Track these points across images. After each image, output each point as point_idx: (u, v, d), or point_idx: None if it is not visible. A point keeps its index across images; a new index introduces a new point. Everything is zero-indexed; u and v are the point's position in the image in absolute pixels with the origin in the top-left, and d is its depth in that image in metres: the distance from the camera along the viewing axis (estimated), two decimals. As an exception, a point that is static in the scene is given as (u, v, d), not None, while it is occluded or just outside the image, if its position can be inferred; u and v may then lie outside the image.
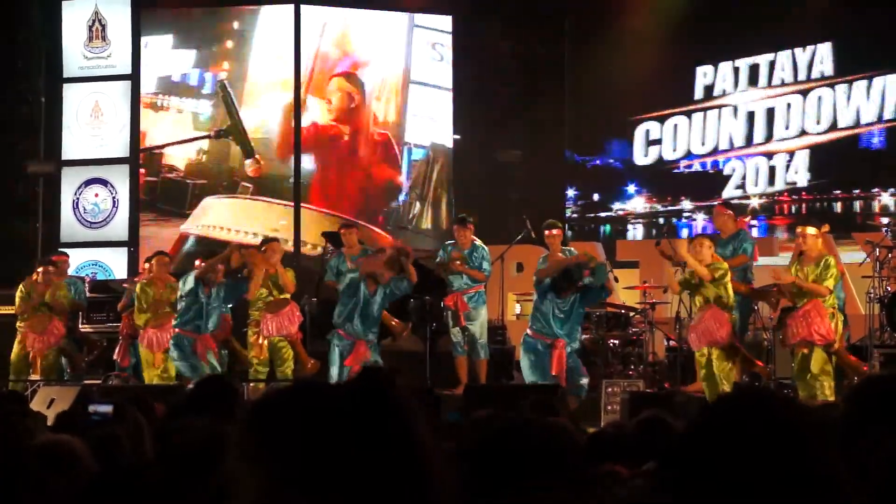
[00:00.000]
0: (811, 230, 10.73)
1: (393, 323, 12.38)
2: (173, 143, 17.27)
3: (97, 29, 17.24)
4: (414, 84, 17.62)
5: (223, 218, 17.11)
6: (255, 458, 1.58)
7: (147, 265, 13.09)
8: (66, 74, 17.30)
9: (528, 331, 11.40)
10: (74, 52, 17.28)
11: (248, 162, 17.14)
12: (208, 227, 16.96)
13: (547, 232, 12.13)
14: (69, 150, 17.28)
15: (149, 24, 17.29)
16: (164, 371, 12.17)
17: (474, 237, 12.66)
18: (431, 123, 17.63)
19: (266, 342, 12.13)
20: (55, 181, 17.22)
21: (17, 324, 13.13)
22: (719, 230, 12.07)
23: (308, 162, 17.22)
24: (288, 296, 12.28)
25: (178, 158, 17.31)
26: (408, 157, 17.63)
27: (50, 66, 17.36)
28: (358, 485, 1.56)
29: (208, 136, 17.23)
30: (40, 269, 13.10)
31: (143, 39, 17.17)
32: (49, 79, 17.38)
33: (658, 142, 17.41)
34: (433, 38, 17.67)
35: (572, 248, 12.33)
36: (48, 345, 12.88)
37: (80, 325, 13.69)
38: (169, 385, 11.63)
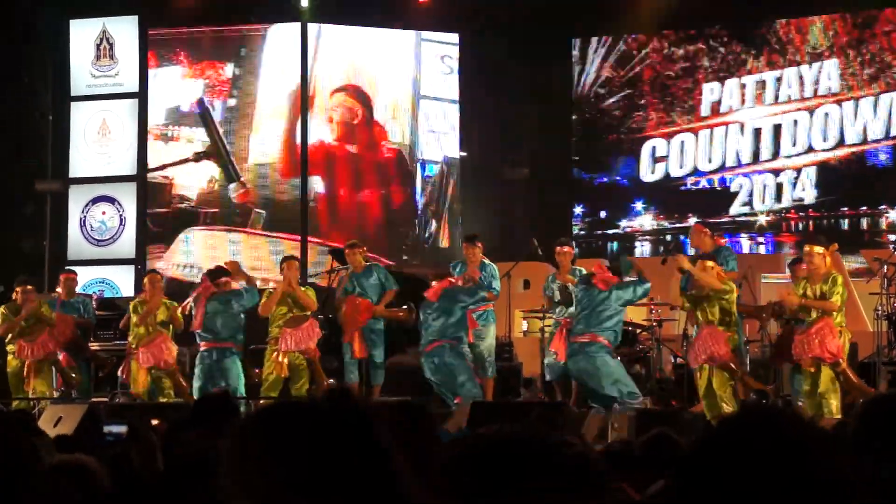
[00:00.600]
0: (818, 249, 10.71)
1: (400, 314, 12.40)
2: (154, 170, 17.30)
3: (105, 48, 17.31)
4: (424, 99, 17.65)
5: (200, 255, 17.06)
6: (236, 473, 1.71)
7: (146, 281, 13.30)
8: (73, 92, 17.36)
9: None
10: (82, 71, 17.34)
11: (231, 186, 17.15)
12: (180, 267, 16.86)
13: (558, 249, 12.11)
14: (76, 168, 17.33)
15: (156, 46, 17.36)
16: (156, 387, 12.29)
17: (483, 256, 12.65)
18: (444, 137, 17.64)
19: (286, 360, 12.13)
20: (62, 199, 17.26)
21: (7, 346, 13.00)
22: (696, 248, 12.00)
23: (317, 184, 17.24)
24: (308, 312, 12.27)
25: (189, 188, 17.33)
26: (421, 174, 17.64)
27: (58, 84, 17.42)
28: (328, 491, 1.69)
29: (187, 160, 17.25)
30: (18, 289, 12.99)
31: (152, 71, 17.24)
32: (57, 97, 17.44)
33: (665, 158, 17.41)
34: (442, 50, 17.70)
35: (581, 268, 12.29)
36: (39, 356, 12.78)
37: (88, 343, 13.68)
38: (171, 402, 11.68)
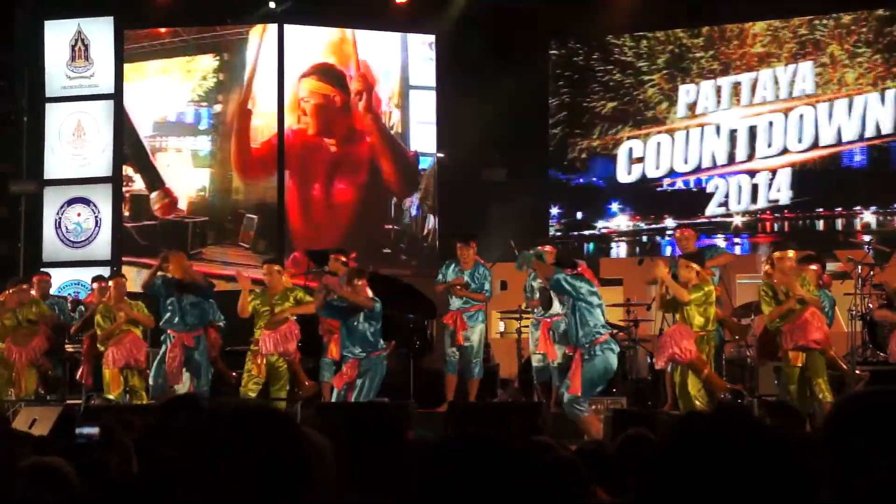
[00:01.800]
0: (790, 254, 10.82)
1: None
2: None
3: (80, 48, 17.22)
4: (414, 89, 17.56)
5: None
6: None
7: (95, 285, 13.29)
8: (48, 94, 17.26)
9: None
10: (57, 72, 17.25)
11: (153, 196, 17.05)
12: None
13: (539, 249, 12.09)
14: (51, 170, 17.23)
15: (134, 57, 17.24)
16: (128, 388, 12.27)
17: (477, 256, 12.63)
18: (433, 129, 17.53)
19: (264, 361, 12.08)
20: (37, 201, 17.17)
21: None
22: (683, 250, 12.02)
23: (297, 182, 17.11)
24: (288, 315, 12.20)
25: (180, 198, 17.20)
26: (417, 168, 17.57)
27: (32, 85, 17.32)
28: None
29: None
30: (13, 290, 12.99)
31: (137, 84, 17.13)
32: (32, 98, 17.34)
33: (641, 160, 17.46)
34: (427, 38, 17.63)
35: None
36: (31, 359, 12.81)
37: (65, 344, 13.63)
38: (147, 404, 11.64)
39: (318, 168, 17.23)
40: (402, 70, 17.53)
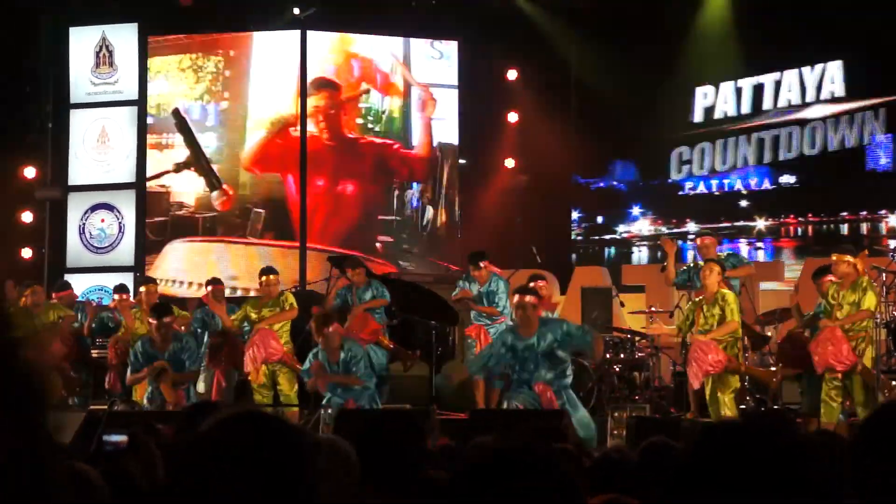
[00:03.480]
0: (847, 257, 10.77)
1: (404, 356, 12.50)
2: (149, 179, 17.27)
3: (104, 55, 17.31)
4: (416, 85, 17.64)
5: (184, 268, 17.05)
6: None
7: (117, 296, 13.44)
8: (73, 100, 17.35)
9: None
10: (82, 78, 17.34)
11: (214, 195, 17.14)
12: (165, 282, 16.71)
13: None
14: (76, 176, 17.32)
15: (156, 54, 17.36)
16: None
17: (494, 269, 12.58)
18: (437, 123, 17.61)
19: (261, 370, 12.21)
20: (61, 207, 17.26)
21: None
22: (704, 257, 11.97)
23: (313, 184, 17.22)
24: (263, 325, 12.31)
25: (187, 194, 17.31)
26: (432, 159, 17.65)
27: (57, 91, 17.41)
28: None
29: (167, 172, 17.23)
30: (27, 293, 13.09)
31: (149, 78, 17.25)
32: (56, 104, 17.44)
33: (663, 163, 17.42)
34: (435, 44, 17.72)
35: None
36: (50, 363, 12.86)
37: (90, 349, 13.71)
38: (171, 411, 11.66)
39: (326, 165, 17.31)
40: (405, 65, 17.58)
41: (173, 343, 11.64)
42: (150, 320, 11.91)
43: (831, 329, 10.54)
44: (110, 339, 13.09)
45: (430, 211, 17.63)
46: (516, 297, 10.31)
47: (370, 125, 17.47)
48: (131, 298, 13.59)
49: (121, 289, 13.73)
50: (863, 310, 10.58)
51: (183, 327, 12.39)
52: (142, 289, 13.32)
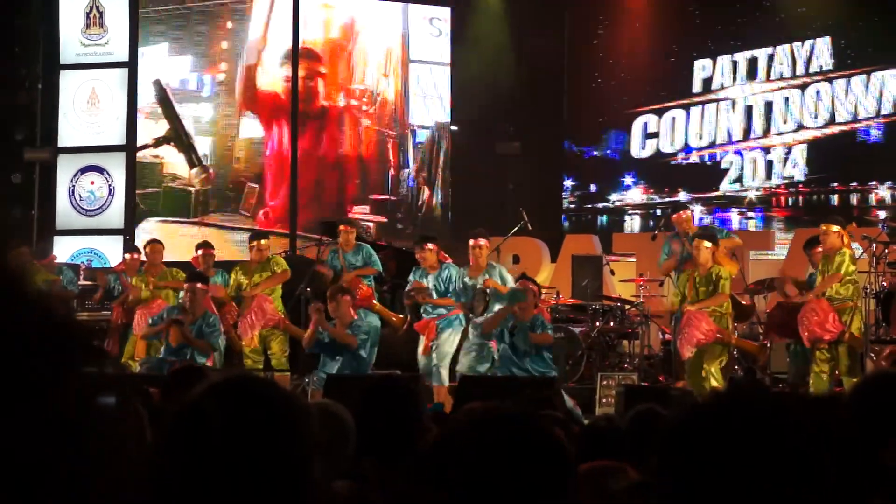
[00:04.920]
0: (835, 227, 10.83)
1: (394, 319, 12.33)
2: (140, 148, 17.17)
3: (95, 16, 17.17)
4: (414, 63, 17.53)
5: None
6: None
7: (128, 256, 13.31)
8: (63, 61, 17.22)
9: None
10: (72, 39, 17.21)
11: (193, 171, 17.04)
12: None
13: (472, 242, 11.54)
14: (65, 138, 17.22)
15: (146, 21, 17.22)
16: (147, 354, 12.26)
17: (444, 256, 11.83)
18: (433, 102, 17.54)
19: (255, 335, 12.19)
20: (51, 168, 17.17)
21: None
22: (684, 233, 11.91)
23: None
24: (256, 291, 12.28)
25: (180, 166, 17.22)
26: (413, 141, 17.57)
27: (47, 52, 17.28)
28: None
29: (147, 146, 17.13)
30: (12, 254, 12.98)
31: (140, 49, 17.09)
32: (46, 66, 17.31)
33: (656, 135, 17.40)
34: (429, 12, 17.59)
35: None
36: None
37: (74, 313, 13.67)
38: (162, 375, 11.62)
39: (311, 131, 17.23)
40: (402, 41, 17.49)
41: (201, 319, 11.45)
42: (184, 284, 11.83)
43: (817, 300, 10.61)
44: (115, 301, 13.04)
45: (425, 192, 17.57)
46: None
47: (364, 107, 17.39)
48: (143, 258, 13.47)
49: (131, 248, 13.69)
50: (833, 274, 10.64)
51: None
52: (146, 248, 13.22)
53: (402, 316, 12.40)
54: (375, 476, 3.25)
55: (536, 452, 2.02)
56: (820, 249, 11.02)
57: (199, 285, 11.47)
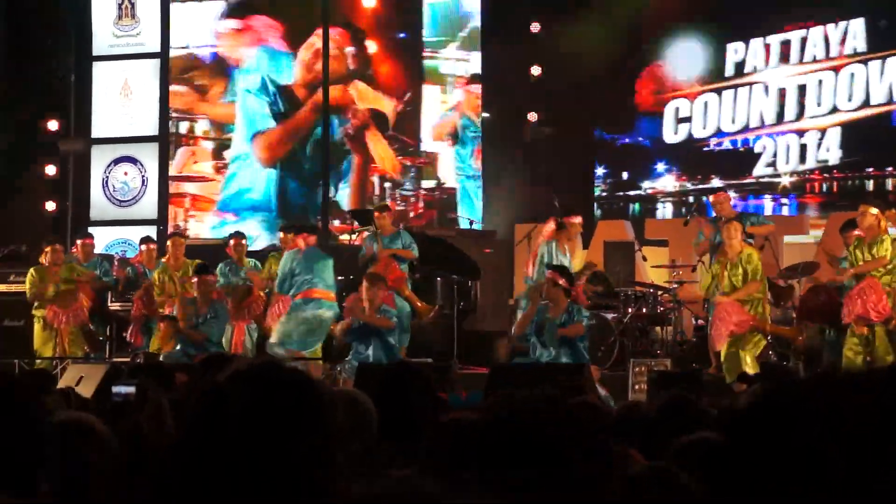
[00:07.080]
0: (873, 210, 10.75)
1: (419, 305, 12.30)
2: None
3: (126, 7, 17.26)
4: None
5: None
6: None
7: (144, 247, 13.41)
8: (95, 52, 17.34)
9: None
10: (104, 31, 17.31)
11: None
12: None
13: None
14: (98, 129, 17.33)
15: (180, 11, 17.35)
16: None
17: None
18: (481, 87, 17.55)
19: None
20: (85, 159, 17.28)
21: (34, 311, 12.94)
22: (720, 215, 11.95)
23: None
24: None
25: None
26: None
27: (80, 44, 17.39)
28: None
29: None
30: (47, 250, 13.00)
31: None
32: (79, 57, 17.42)
33: (688, 119, 17.27)
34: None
35: None
36: (76, 321, 12.84)
37: (109, 304, 13.74)
38: (189, 363, 11.70)
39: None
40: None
41: (210, 308, 11.62)
42: (192, 279, 11.99)
43: (872, 280, 10.54)
44: (136, 293, 13.11)
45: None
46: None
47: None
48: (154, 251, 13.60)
49: (147, 239, 13.79)
50: (878, 258, 10.55)
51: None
52: (168, 242, 13.33)
53: (428, 305, 12.40)
54: (391, 461, 3.26)
55: (569, 439, 2.02)
56: (857, 232, 10.92)
57: (208, 277, 11.67)
